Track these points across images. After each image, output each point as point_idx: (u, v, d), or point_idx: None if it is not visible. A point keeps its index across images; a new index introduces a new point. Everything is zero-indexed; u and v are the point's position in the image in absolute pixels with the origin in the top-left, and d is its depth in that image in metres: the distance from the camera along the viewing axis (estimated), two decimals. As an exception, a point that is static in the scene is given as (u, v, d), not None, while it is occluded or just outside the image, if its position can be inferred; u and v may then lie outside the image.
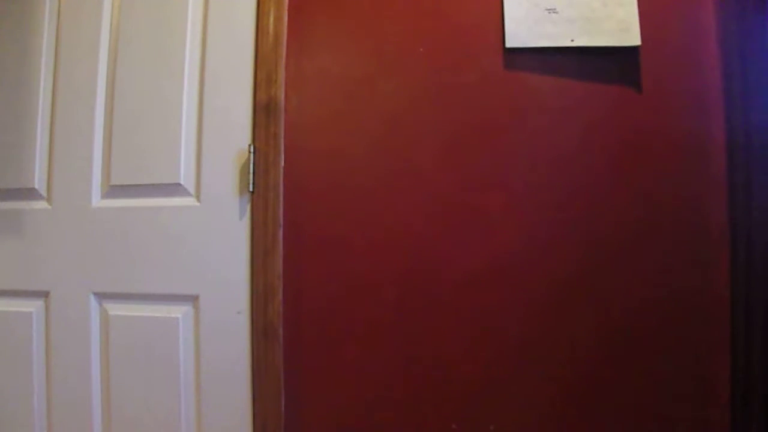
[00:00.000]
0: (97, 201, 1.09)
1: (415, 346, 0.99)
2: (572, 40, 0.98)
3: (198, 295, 1.04)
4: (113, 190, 1.09)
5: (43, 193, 1.11)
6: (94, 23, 1.11)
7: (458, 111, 1.01)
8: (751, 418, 0.90)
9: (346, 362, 1.01)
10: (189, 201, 1.06)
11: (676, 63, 0.97)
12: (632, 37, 0.97)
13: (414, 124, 1.03)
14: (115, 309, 1.07)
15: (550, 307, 0.97)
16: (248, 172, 1.02)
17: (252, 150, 1.03)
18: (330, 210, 1.03)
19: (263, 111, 1.03)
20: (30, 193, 1.12)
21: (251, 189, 1.02)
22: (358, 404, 1.00)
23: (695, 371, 0.93)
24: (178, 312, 1.04)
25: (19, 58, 1.14)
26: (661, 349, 0.94)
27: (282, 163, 1.03)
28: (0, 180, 1.13)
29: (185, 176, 1.06)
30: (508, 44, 1.00)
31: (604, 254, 0.96)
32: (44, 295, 1.09)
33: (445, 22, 1.03)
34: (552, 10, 0.99)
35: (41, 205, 1.11)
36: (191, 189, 1.06)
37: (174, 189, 1.06)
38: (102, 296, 1.08)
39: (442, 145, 1.01)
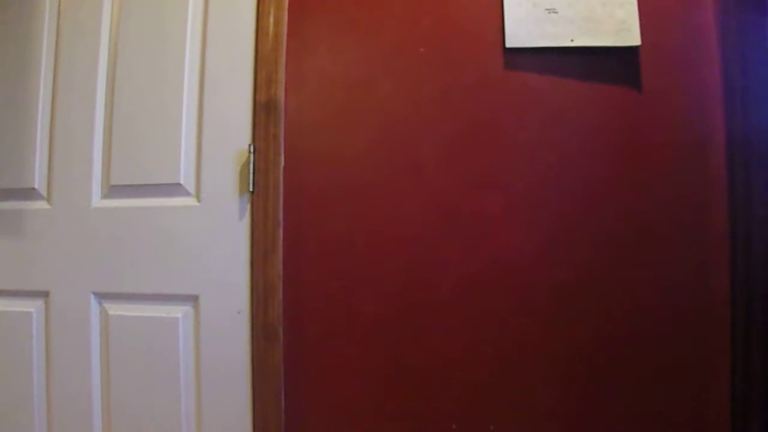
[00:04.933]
0: (96, 201, 1.09)
1: (416, 346, 0.99)
2: (572, 40, 0.98)
3: (198, 295, 1.04)
4: (113, 190, 1.09)
5: (43, 193, 1.11)
6: (94, 23, 1.11)
7: (458, 111, 1.01)
8: (751, 418, 0.90)
9: (346, 362, 1.01)
10: (189, 201, 1.06)
11: (676, 63, 0.97)
12: (632, 37, 0.97)
13: (414, 124, 1.03)
14: (115, 309, 1.07)
15: (550, 307, 0.97)
16: (248, 172, 1.02)
17: (252, 150, 1.03)
18: (330, 210, 1.03)
19: (263, 111, 1.03)
20: (30, 193, 1.12)
21: (251, 189, 1.02)
22: (358, 404, 1.00)
23: (695, 371, 0.93)
24: (178, 312, 1.04)
25: (19, 58, 1.13)
26: (661, 349, 0.94)
27: (282, 163, 1.03)
28: (0, 180, 1.13)
29: (185, 176, 1.06)
30: (508, 44, 1.00)
31: (603, 254, 0.96)
32: (44, 295, 1.09)
33: (445, 22, 1.03)
34: (552, 10, 0.99)
35: (41, 205, 1.11)
36: (191, 189, 1.06)
37: (174, 189, 1.06)
38: (102, 296, 1.08)
39: (442, 145, 1.01)
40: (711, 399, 0.92)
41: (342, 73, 1.06)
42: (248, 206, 1.03)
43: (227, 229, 1.03)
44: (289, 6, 1.06)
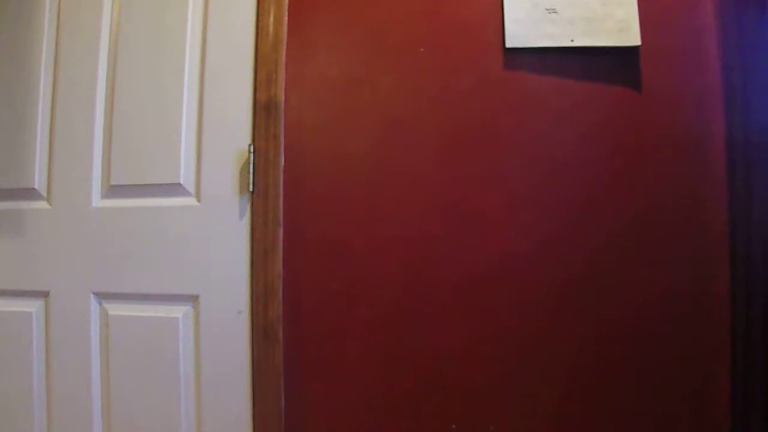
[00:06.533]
0: (97, 201, 1.09)
1: (415, 346, 0.99)
2: (572, 40, 0.98)
3: (198, 295, 1.04)
4: (113, 190, 1.09)
5: (43, 193, 1.11)
6: (94, 23, 1.11)
7: (458, 110, 1.01)
8: (751, 418, 0.90)
9: (346, 362, 1.01)
10: (189, 201, 1.06)
11: (676, 63, 0.97)
12: (632, 37, 0.97)
13: (414, 124, 1.03)
14: (115, 309, 1.07)
15: (549, 307, 0.97)
16: (248, 172, 1.02)
17: (252, 150, 1.03)
18: (330, 210, 1.03)
19: (263, 111, 1.03)
20: (30, 193, 1.12)
21: (251, 189, 1.02)
22: (358, 404, 1.00)
23: (695, 371, 0.93)
24: (178, 312, 1.04)
25: (19, 58, 1.13)
26: (662, 348, 0.94)
27: (282, 163, 1.03)
28: (0, 180, 1.13)
29: (185, 176, 1.06)
30: (508, 44, 1.00)
31: (604, 254, 0.96)
32: (44, 295, 1.09)
33: (445, 22, 1.03)
34: (552, 11, 0.99)
35: (41, 205, 1.11)
36: (191, 189, 1.06)
37: (174, 189, 1.06)
38: (102, 296, 1.08)
39: (442, 145, 1.01)
40: (711, 399, 0.92)
41: (342, 73, 1.06)
42: (248, 206, 1.03)
43: (227, 229, 1.03)
44: (289, 6, 1.06)
